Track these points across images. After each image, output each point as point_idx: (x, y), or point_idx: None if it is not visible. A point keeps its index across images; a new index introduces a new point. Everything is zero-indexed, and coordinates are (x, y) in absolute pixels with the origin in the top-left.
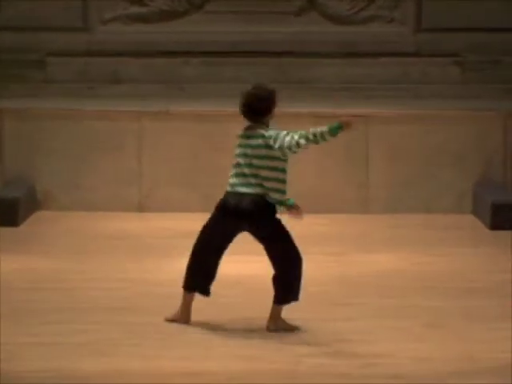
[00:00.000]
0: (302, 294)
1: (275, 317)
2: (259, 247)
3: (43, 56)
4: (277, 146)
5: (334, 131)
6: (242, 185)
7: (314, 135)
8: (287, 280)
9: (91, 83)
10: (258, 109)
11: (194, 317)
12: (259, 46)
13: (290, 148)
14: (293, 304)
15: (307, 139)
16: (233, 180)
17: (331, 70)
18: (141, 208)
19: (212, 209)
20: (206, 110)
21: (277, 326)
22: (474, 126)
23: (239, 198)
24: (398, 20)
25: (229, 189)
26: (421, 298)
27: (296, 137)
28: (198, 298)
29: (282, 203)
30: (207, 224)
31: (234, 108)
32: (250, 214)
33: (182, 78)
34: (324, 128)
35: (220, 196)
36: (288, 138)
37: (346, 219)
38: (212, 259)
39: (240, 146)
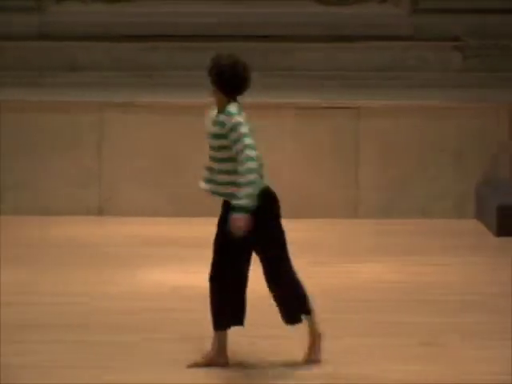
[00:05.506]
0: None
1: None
2: None
3: None
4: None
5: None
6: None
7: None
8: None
9: (44, 71)
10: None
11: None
12: (236, 30)
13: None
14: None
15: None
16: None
17: (317, 55)
18: (100, 212)
19: (180, 211)
20: (177, 101)
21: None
22: (476, 119)
23: None
24: (392, 0)
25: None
26: (414, 314)
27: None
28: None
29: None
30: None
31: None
32: None
33: (150, 65)
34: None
35: (190, 197)
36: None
37: (331, 224)
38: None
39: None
